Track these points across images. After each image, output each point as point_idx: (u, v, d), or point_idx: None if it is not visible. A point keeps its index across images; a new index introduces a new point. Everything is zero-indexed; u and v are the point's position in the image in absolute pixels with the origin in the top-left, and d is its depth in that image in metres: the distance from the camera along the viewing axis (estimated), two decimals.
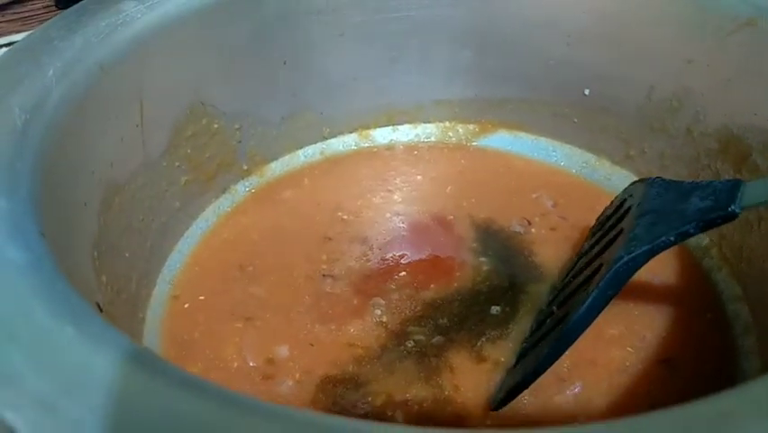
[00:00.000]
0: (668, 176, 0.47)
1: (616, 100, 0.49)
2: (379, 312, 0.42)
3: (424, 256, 0.47)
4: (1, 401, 0.18)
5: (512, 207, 0.50)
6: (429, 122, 0.57)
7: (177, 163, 0.45)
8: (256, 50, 0.48)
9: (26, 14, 0.62)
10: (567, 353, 0.39)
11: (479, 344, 0.40)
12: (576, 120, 0.52)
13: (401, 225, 0.50)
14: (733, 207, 0.32)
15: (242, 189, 0.52)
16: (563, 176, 0.54)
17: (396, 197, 0.52)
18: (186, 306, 0.43)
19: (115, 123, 0.39)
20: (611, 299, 0.33)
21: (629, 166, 0.51)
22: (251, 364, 0.39)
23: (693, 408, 0.20)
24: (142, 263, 0.41)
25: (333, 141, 0.56)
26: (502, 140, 0.56)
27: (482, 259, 0.46)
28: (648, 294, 0.44)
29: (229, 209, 0.51)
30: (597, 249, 0.38)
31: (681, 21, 0.43)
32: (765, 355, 0.39)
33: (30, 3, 0.63)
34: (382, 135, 0.57)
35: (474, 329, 0.41)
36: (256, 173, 0.53)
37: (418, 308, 0.43)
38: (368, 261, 0.46)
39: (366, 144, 0.57)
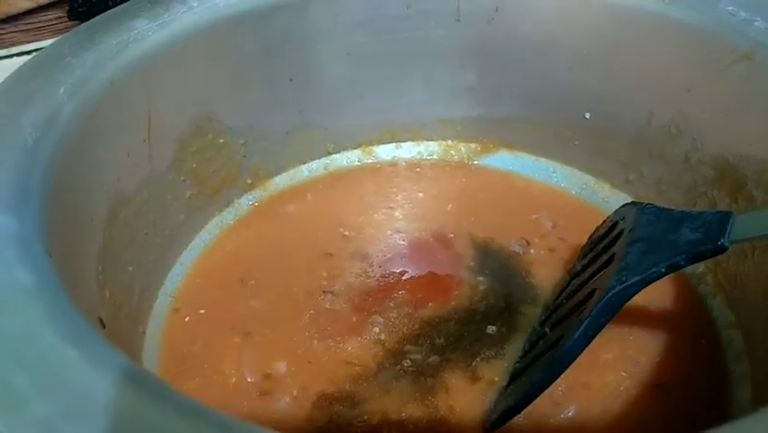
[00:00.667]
0: (665, 201, 0.48)
1: (616, 124, 0.50)
2: (377, 330, 0.43)
3: (423, 274, 0.47)
4: (4, 424, 0.19)
5: (511, 227, 0.51)
6: (432, 140, 0.58)
7: (182, 177, 0.46)
8: (263, 66, 0.49)
9: (39, 25, 0.63)
10: (562, 376, 0.40)
11: (474, 363, 0.41)
12: (577, 142, 0.53)
13: (402, 242, 0.50)
14: (722, 240, 0.32)
15: (245, 203, 0.52)
16: (563, 197, 0.54)
17: (397, 213, 0.53)
18: (186, 319, 0.44)
19: (124, 138, 0.39)
20: (603, 327, 0.34)
21: (628, 190, 0.51)
22: (248, 380, 0.40)
23: None
24: (145, 276, 0.42)
25: (337, 156, 0.57)
26: (503, 159, 0.57)
27: (480, 278, 0.47)
28: (643, 319, 0.44)
29: (232, 222, 0.51)
30: (589, 272, 0.39)
31: (682, 50, 0.44)
32: (757, 382, 0.40)
33: (42, 14, 0.64)
34: (385, 152, 0.58)
35: (469, 349, 0.42)
36: (260, 187, 0.53)
37: (416, 326, 0.43)
38: (368, 278, 0.47)
39: (369, 160, 0.58)
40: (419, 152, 0.58)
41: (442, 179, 0.57)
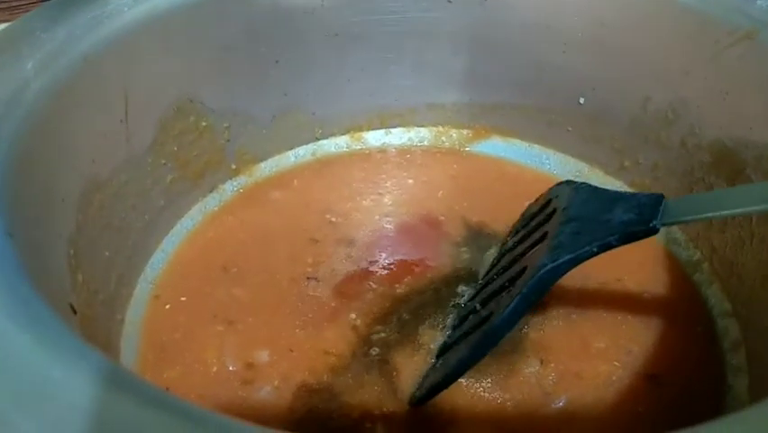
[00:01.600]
0: (661, 188, 0.47)
1: (611, 110, 0.49)
2: (353, 315, 0.42)
3: (407, 253, 0.46)
4: None
5: (503, 214, 0.49)
6: (422, 126, 0.57)
7: (163, 161, 0.44)
8: (248, 47, 0.47)
9: (14, 4, 0.61)
10: (553, 365, 0.39)
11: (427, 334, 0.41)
12: (570, 128, 0.52)
13: (388, 226, 0.49)
14: (654, 222, 0.32)
15: (229, 189, 0.51)
16: None
17: (386, 199, 0.52)
18: (167, 307, 0.42)
19: (99, 118, 0.38)
20: (533, 305, 0.34)
21: (623, 177, 0.50)
22: (230, 369, 0.38)
23: None
24: (123, 262, 0.41)
25: (324, 142, 0.55)
26: (495, 146, 0.55)
27: (463, 249, 0.46)
28: (636, 307, 0.43)
29: (216, 208, 0.50)
30: (521, 248, 0.38)
31: (679, 32, 0.43)
32: (754, 373, 0.39)
33: None
34: (375, 138, 0.57)
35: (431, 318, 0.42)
36: (245, 173, 0.52)
37: (387, 304, 0.42)
38: (351, 263, 0.46)
39: (358, 146, 0.56)
40: (410, 138, 0.57)
41: (433, 165, 0.55)
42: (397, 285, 0.44)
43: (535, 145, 0.54)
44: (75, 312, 0.31)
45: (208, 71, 0.46)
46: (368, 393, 0.37)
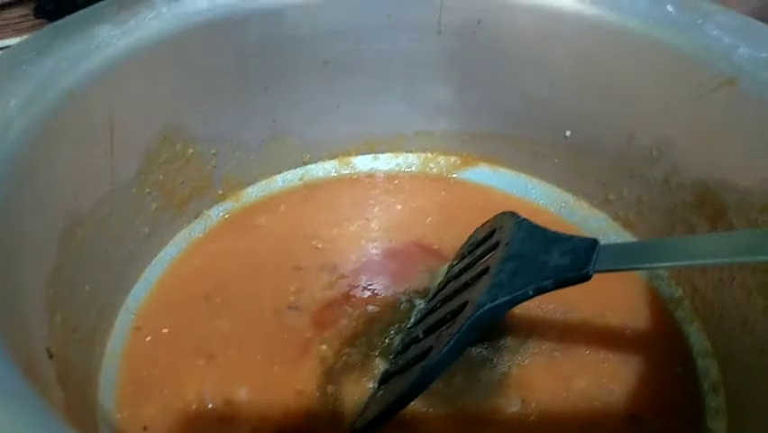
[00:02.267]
0: (645, 223, 0.48)
1: (596, 144, 0.49)
2: (324, 347, 0.42)
3: (390, 281, 0.47)
4: None
5: None
6: (411, 152, 0.57)
7: (147, 190, 0.44)
8: (236, 75, 0.47)
9: (2, 23, 0.60)
10: (534, 405, 0.39)
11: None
12: (557, 160, 0.52)
13: (374, 252, 0.49)
14: (587, 269, 0.33)
15: (215, 215, 0.51)
16: (542, 215, 0.53)
17: (373, 225, 0.52)
18: (148, 339, 0.42)
19: (83, 151, 0.38)
20: (471, 342, 0.35)
21: (607, 209, 0.50)
22: (209, 406, 0.38)
23: None
24: (104, 295, 0.40)
25: (312, 167, 0.55)
26: (483, 174, 0.56)
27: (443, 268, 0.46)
28: (618, 344, 0.43)
29: (201, 235, 0.50)
30: (464, 278, 0.39)
31: (665, 72, 0.43)
32: (733, 416, 0.39)
33: (5, 11, 0.61)
34: (363, 163, 0.57)
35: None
36: (231, 198, 0.52)
37: (360, 327, 0.43)
38: (332, 289, 0.46)
39: (346, 171, 0.56)
40: (398, 164, 0.57)
41: (420, 191, 0.55)
42: (371, 309, 0.44)
43: (522, 174, 0.54)
44: (51, 356, 0.30)
45: (196, 99, 0.46)
46: None
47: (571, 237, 0.36)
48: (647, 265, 0.33)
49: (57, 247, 0.34)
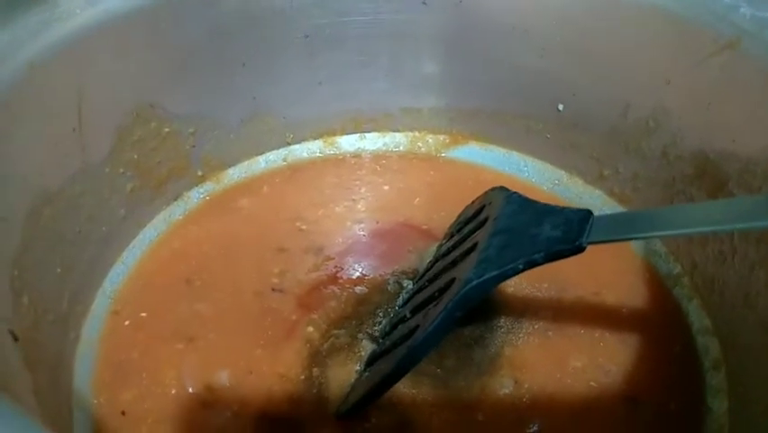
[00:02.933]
0: (641, 198, 0.46)
1: (590, 117, 0.47)
2: (311, 329, 0.40)
3: (378, 262, 0.45)
4: None
5: None
6: (398, 131, 0.55)
7: (121, 169, 0.42)
8: (212, 50, 0.45)
9: None
10: (527, 386, 0.38)
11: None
12: (549, 136, 0.50)
13: (361, 233, 0.48)
14: (580, 240, 0.32)
15: (196, 196, 0.49)
16: (534, 193, 0.50)
17: (360, 206, 0.50)
18: (126, 323, 0.40)
19: (48, 127, 0.36)
20: (458, 319, 0.33)
21: (602, 186, 0.49)
22: (189, 391, 0.37)
23: None
24: (78, 278, 0.39)
25: (296, 147, 0.54)
26: (473, 152, 0.54)
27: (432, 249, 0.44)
28: (614, 322, 0.42)
29: (181, 217, 0.48)
30: (452, 256, 0.38)
31: (661, 39, 0.41)
32: (734, 394, 0.37)
33: None
34: (349, 143, 0.55)
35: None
36: (212, 179, 0.50)
37: (349, 309, 0.42)
38: (318, 271, 0.44)
39: (331, 152, 0.55)
40: (385, 144, 0.55)
41: (408, 171, 0.54)
42: (359, 290, 0.43)
43: (514, 152, 0.53)
44: (16, 339, 0.29)
45: (170, 75, 0.44)
46: (326, 426, 0.36)
47: (563, 209, 0.34)
48: (644, 235, 0.32)
49: (22, 225, 0.32)
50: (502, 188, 0.40)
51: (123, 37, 0.40)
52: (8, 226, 0.31)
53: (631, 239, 0.33)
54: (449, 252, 0.40)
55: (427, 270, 0.41)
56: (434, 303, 0.35)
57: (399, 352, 0.34)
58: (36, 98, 0.34)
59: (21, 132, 0.33)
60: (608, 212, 0.48)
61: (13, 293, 0.30)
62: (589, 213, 0.33)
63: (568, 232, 0.32)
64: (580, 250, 0.32)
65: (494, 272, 0.33)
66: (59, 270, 0.36)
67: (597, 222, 0.32)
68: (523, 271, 0.32)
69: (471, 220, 0.40)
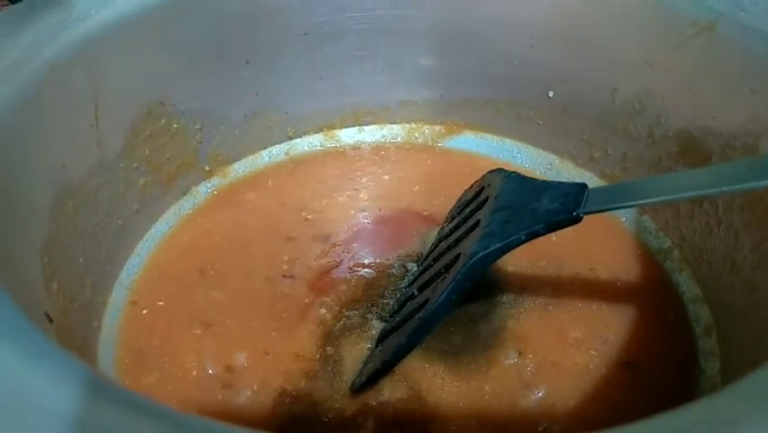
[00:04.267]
0: (630, 178, 0.48)
1: (579, 102, 0.49)
2: (323, 310, 0.42)
3: (384, 247, 0.47)
4: None
5: None
6: (396, 123, 0.57)
7: (134, 165, 0.44)
8: (217, 48, 0.47)
9: None
10: (531, 356, 0.40)
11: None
12: (540, 122, 0.52)
13: (365, 220, 0.50)
14: (577, 211, 0.34)
15: (203, 191, 0.51)
16: None
17: (362, 195, 0.52)
18: (144, 312, 0.42)
19: (68, 123, 0.37)
20: (466, 290, 0.35)
21: (593, 168, 0.51)
22: (210, 372, 0.38)
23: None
24: (98, 268, 0.40)
25: (298, 141, 0.55)
26: (467, 141, 0.56)
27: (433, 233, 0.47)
28: (610, 296, 0.44)
29: (190, 211, 0.50)
30: (455, 235, 0.40)
31: (642, 23, 0.44)
32: (725, 356, 0.40)
33: None
34: (348, 136, 0.57)
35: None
36: (218, 174, 0.52)
37: (359, 292, 0.43)
38: (327, 257, 0.46)
39: (332, 145, 0.56)
40: (383, 136, 0.57)
41: (407, 161, 0.56)
42: (367, 274, 0.45)
43: (507, 139, 0.55)
44: (51, 321, 0.30)
45: (178, 73, 0.45)
46: (342, 399, 0.37)
47: (560, 184, 0.36)
48: (636, 202, 0.34)
49: (49, 216, 0.34)
50: (500, 170, 0.42)
51: (134, 36, 0.41)
52: (37, 217, 0.33)
53: (624, 207, 0.35)
54: (451, 232, 0.41)
55: (431, 251, 0.43)
56: (442, 278, 0.37)
57: (411, 324, 0.36)
58: (56, 96, 0.36)
59: (43, 128, 0.35)
60: None
61: (44, 279, 0.32)
62: (584, 186, 0.35)
63: (565, 204, 0.34)
64: (578, 220, 0.34)
65: (498, 244, 0.34)
66: (81, 260, 0.38)
67: (592, 194, 0.34)
68: (525, 241, 0.34)
69: (472, 202, 0.42)
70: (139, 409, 0.19)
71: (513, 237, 0.34)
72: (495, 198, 0.39)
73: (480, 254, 0.34)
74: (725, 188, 0.28)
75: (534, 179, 0.39)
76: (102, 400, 0.19)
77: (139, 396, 0.20)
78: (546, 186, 0.37)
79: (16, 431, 0.18)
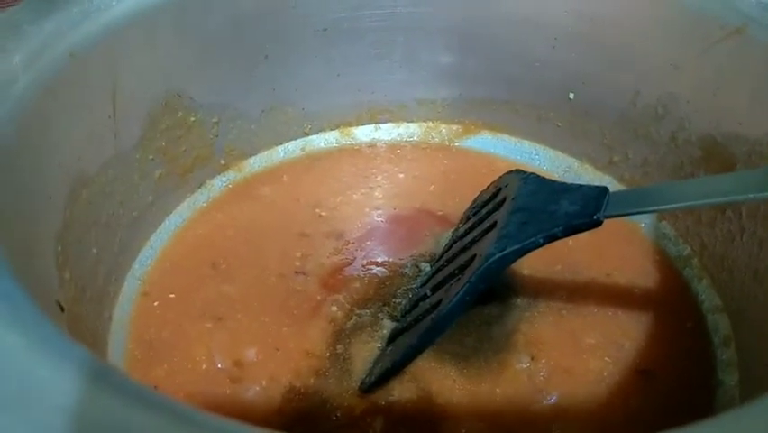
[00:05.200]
0: (651, 183, 0.47)
1: (600, 105, 0.49)
2: (335, 308, 0.42)
3: (397, 246, 0.47)
4: None
5: None
6: (412, 121, 0.56)
7: (150, 156, 0.44)
8: (235, 42, 0.47)
9: None
10: (544, 361, 0.39)
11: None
12: (560, 124, 0.52)
13: (379, 219, 0.49)
14: (598, 214, 0.33)
15: (218, 184, 0.51)
16: None
17: (377, 193, 0.52)
18: (155, 304, 0.42)
19: (86, 114, 0.37)
20: (481, 292, 0.34)
21: (612, 172, 0.50)
22: (219, 366, 0.38)
23: None
24: (111, 259, 0.40)
25: (314, 137, 0.55)
26: (485, 141, 0.55)
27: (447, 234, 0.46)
28: (627, 302, 0.43)
29: (205, 204, 0.49)
30: (471, 236, 0.39)
31: (668, 26, 0.43)
32: (744, 368, 0.39)
33: None
34: (364, 133, 0.56)
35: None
36: (234, 168, 0.52)
37: (371, 291, 0.43)
38: (340, 255, 0.46)
39: (348, 142, 0.56)
40: (399, 134, 0.57)
41: (423, 160, 0.55)
42: (379, 273, 0.44)
43: (525, 141, 0.54)
44: (62, 309, 0.30)
45: (196, 66, 0.45)
46: (352, 398, 0.37)
47: (580, 186, 0.36)
48: (658, 207, 0.33)
49: (64, 205, 0.34)
50: (518, 171, 0.41)
51: (152, 27, 0.41)
52: (53, 205, 0.33)
53: (646, 212, 0.35)
54: (466, 233, 0.41)
55: (445, 251, 0.43)
56: (456, 279, 0.36)
57: (423, 325, 0.36)
58: (76, 86, 0.36)
59: (62, 118, 0.35)
60: None
61: (57, 268, 0.32)
62: (605, 189, 0.34)
63: (585, 207, 0.34)
64: (598, 224, 0.33)
65: (515, 246, 0.34)
66: (94, 250, 0.38)
67: (613, 197, 0.34)
68: (543, 244, 0.34)
69: (488, 203, 0.42)
70: (143, 400, 0.19)
71: (530, 240, 0.34)
72: (513, 199, 0.38)
73: (497, 256, 0.34)
74: (751, 196, 0.28)
75: (554, 181, 0.38)
76: (106, 390, 0.19)
77: (144, 387, 0.20)
78: (566, 188, 0.36)
79: (19, 418, 0.17)
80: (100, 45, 0.38)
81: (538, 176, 0.39)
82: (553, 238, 0.34)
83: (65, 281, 0.32)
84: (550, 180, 0.38)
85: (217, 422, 0.19)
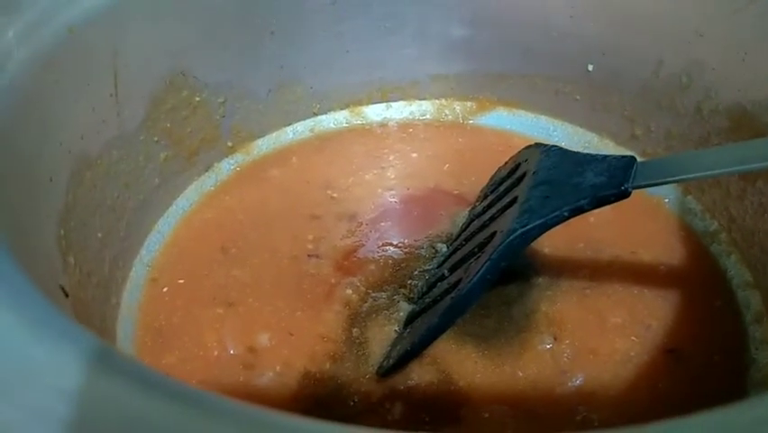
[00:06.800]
0: None
1: (621, 76, 0.47)
2: (349, 291, 0.40)
3: (412, 227, 0.45)
4: None
5: None
6: (425, 99, 0.55)
7: (155, 138, 0.42)
8: (241, 18, 0.45)
9: None
10: (568, 342, 0.38)
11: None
12: (578, 97, 0.50)
13: (392, 200, 0.48)
14: (626, 185, 0.31)
15: (226, 167, 0.49)
16: None
17: (389, 174, 0.50)
18: (164, 290, 0.41)
19: (86, 91, 0.36)
20: (502, 270, 0.33)
21: (634, 146, 0.48)
22: (231, 352, 0.37)
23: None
24: (117, 244, 0.39)
25: (323, 117, 0.54)
26: (500, 118, 0.54)
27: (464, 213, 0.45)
28: (653, 281, 0.41)
29: (212, 188, 0.48)
30: (490, 213, 0.38)
31: None
32: None
33: None
34: (375, 112, 0.55)
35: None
36: (241, 150, 0.50)
37: (386, 274, 0.41)
38: (353, 237, 0.44)
39: (358, 121, 0.54)
40: (411, 112, 0.55)
41: (436, 139, 0.54)
42: (395, 255, 0.43)
43: (542, 116, 0.53)
44: (66, 295, 0.29)
45: (200, 42, 0.44)
46: (367, 383, 0.36)
47: (606, 157, 0.34)
48: (691, 176, 0.31)
49: (66, 187, 0.33)
50: (538, 145, 0.39)
51: (154, 2, 0.40)
52: (55, 187, 0.32)
53: (677, 181, 0.33)
54: (485, 210, 0.39)
55: (462, 231, 0.41)
56: (476, 258, 0.35)
57: (443, 305, 0.34)
58: (76, 61, 0.35)
59: (61, 95, 0.33)
60: None
61: (60, 251, 0.31)
62: (633, 158, 0.33)
63: (612, 177, 0.32)
64: (626, 195, 0.31)
65: (538, 221, 0.32)
66: (99, 234, 0.37)
67: (641, 167, 0.32)
68: (568, 218, 0.32)
69: (507, 179, 0.40)
70: (148, 382, 0.18)
71: (555, 213, 0.32)
72: (534, 173, 0.36)
73: (519, 231, 0.32)
74: None
75: (577, 152, 0.36)
76: (108, 372, 0.17)
77: (150, 369, 0.19)
78: (591, 159, 0.35)
79: (16, 401, 0.16)
80: (100, 19, 0.36)
81: (560, 148, 0.37)
82: (579, 211, 0.32)
83: (69, 266, 0.31)
84: (573, 152, 0.37)
85: (230, 405, 0.18)
